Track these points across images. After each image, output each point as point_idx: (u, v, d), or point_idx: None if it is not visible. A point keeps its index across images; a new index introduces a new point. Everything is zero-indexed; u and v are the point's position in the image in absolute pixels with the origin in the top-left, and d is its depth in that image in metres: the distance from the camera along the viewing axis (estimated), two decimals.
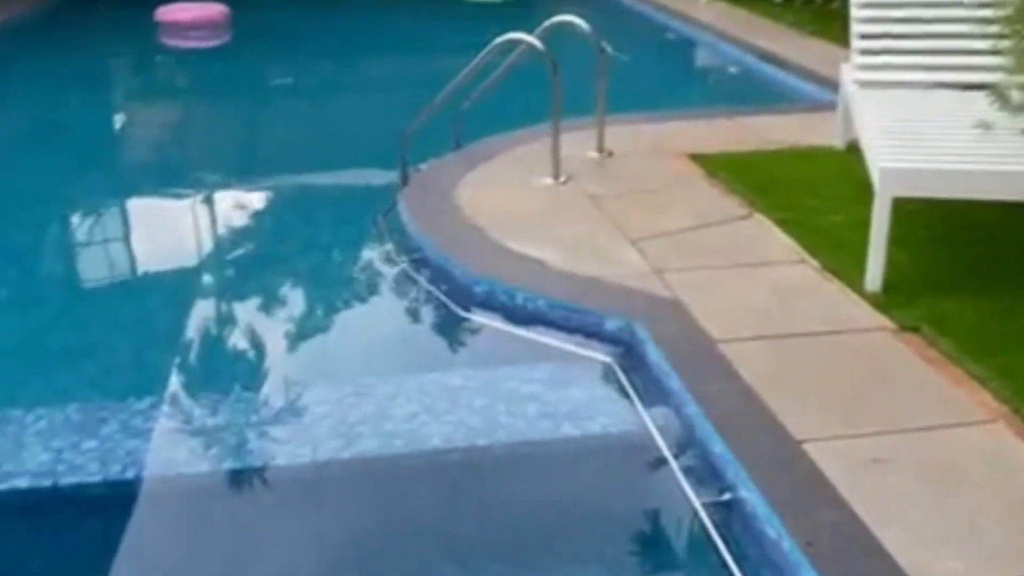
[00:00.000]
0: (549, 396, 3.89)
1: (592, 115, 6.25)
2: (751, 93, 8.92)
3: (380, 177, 6.51)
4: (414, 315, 4.79)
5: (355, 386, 3.94)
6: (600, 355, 4.09)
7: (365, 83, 10.61)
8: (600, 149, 6.29)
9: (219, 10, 12.24)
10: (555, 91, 5.64)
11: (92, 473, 3.39)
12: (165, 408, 3.87)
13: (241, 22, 12.21)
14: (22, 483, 3.31)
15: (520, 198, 5.56)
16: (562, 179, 5.78)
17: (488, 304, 4.49)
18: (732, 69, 10.02)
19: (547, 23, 6.08)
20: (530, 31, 5.86)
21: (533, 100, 6.54)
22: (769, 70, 9.17)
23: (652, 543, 3.32)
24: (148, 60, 12.14)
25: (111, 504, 3.41)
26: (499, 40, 5.84)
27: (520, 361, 4.15)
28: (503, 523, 3.47)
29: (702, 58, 11.13)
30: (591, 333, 4.19)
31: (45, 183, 7.01)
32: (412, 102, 6.35)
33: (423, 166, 6.27)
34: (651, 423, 3.62)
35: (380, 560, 3.24)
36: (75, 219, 6.75)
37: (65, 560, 3.25)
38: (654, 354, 3.86)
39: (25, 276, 5.66)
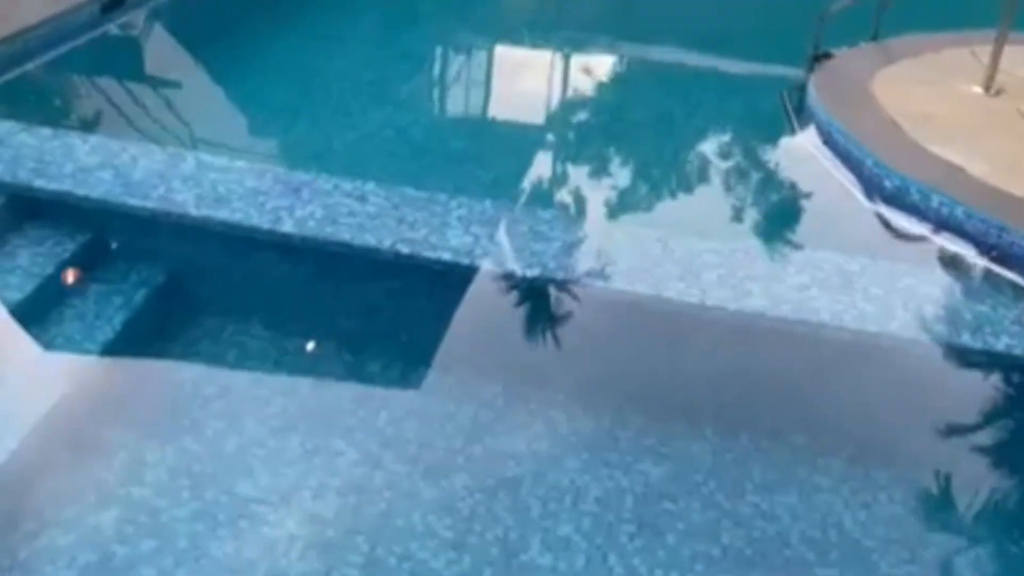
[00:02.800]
0: (950, 302, 3.68)
1: None
2: None
3: (787, 56, 6.31)
4: (813, 192, 4.68)
5: (747, 246, 3.95)
6: (1016, 276, 3.79)
7: None
8: None
9: None
10: None
11: (499, 263, 3.71)
12: (569, 222, 4.11)
13: None
14: (446, 256, 3.68)
15: (944, 102, 5.16)
16: (993, 91, 5.29)
17: (897, 199, 4.28)
18: None
19: None
20: None
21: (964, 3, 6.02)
22: None
23: None
24: None
25: (503, 290, 3.73)
26: None
27: (923, 263, 3.95)
28: (869, 414, 3.40)
29: None
30: (1008, 253, 3.88)
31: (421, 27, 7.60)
32: None
33: (836, 52, 5.98)
34: None
35: (729, 416, 3.32)
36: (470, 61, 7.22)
37: (457, 320, 3.68)
38: None
39: (427, 92, 6.17)
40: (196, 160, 4.22)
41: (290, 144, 4.83)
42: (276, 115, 5.28)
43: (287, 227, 3.78)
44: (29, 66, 4.99)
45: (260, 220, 3.81)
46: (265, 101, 5.40)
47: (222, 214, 3.82)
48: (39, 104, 5.01)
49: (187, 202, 3.88)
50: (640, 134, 5.41)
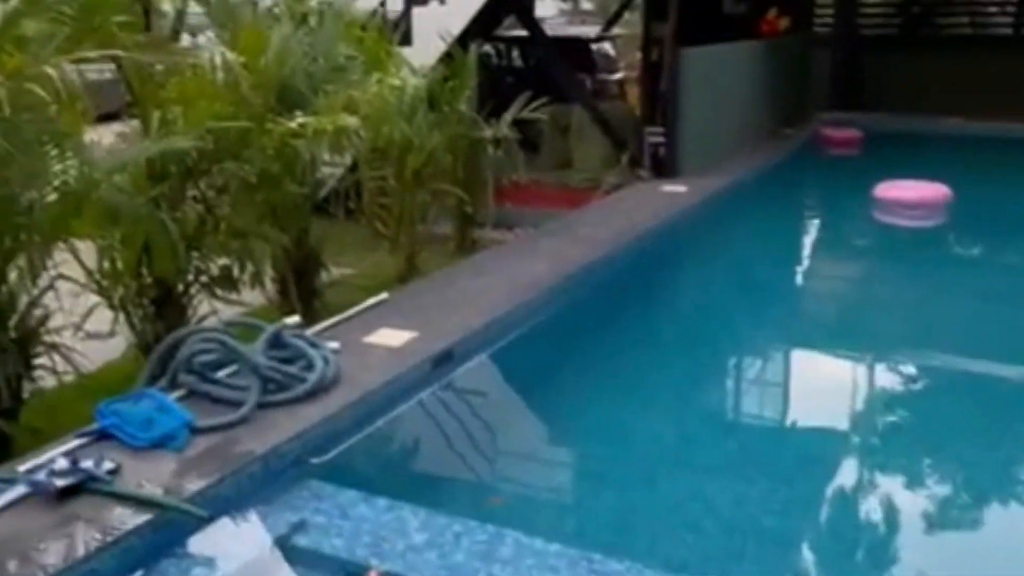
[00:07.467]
0: None
1: None
2: None
3: None
4: None
5: None
6: None
7: None
8: None
9: (941, 191, 12.05)
10: None
11: None
12: None
13: (963, 204, 11.88)
14: None
15: None
16: None
17: None
18: None
19: None
20: None
21: None
22: None
23: None
24: (860, 231, 12.45)
25: None
26: None
27: None
28: None
29: None
30: None
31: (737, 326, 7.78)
32: None
33: None
34: None
35: None
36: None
37: None
38: None
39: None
40: (515, 542, 4.34)
41: (595, 516, 4.88)
42: (580, 482, 5.43)
43: None
44: (369, 429, 5.44)
45: None
46: (573, 465, 5.61)
47: None
48: (377, 471, 5.45)
49: None
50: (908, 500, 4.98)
